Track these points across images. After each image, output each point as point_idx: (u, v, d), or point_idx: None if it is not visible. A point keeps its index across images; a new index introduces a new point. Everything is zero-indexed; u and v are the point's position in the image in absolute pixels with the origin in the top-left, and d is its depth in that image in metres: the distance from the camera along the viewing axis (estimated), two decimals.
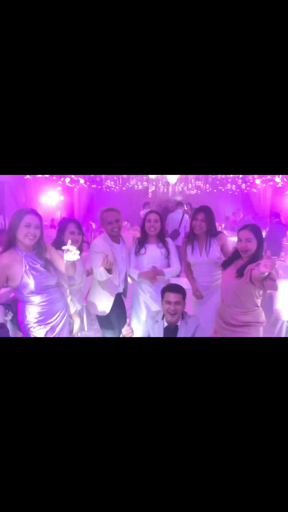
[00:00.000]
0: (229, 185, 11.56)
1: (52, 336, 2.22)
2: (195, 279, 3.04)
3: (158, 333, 2.39)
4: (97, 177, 10.95)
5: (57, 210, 9.91)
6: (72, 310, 2.65)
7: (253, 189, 11.43)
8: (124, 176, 10.18)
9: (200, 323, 2.43)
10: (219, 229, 3.30)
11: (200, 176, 10.35)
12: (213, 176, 10.22)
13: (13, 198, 7.92)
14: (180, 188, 11.07)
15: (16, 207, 7.78)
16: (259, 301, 2.44)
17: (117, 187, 11.99)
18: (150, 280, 2.87)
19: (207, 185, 11.27)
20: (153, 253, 2.91)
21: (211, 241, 2.93)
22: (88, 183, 11.55)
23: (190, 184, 10.88)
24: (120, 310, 3.01)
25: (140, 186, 10.64)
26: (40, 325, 2.19)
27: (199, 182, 10.80)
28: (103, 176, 10.83)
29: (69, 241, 2.06)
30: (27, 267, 2.08)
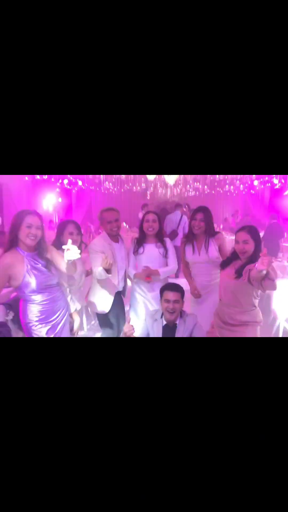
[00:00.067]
0: (227, 186, 11.60)
1: (53, 335, 2.26)
2: (194, 279, 3.09)
3: (157, 331, 2.43)
4: (96, 179, 10.98)
5: (55, 212, 9.94)
6: (72, 309, 2.69)
7: (251, 191, 11.47)
8: (123, 177, 10.20)
9: (198, 321, 2.46)
10: (217, 229, 3.33)
11: (198, 177, 10.36)
12: (212, 177, 10.23)
13: (11, 200, 7.93)
14: (178, 190, 11.08)
15: (14, 209, 7.81)
16: (256, 301, 2.47)
17: (115, 189, 12.02)
18: (143, 280, 2.91)
19: (206, 187, 11.29)
20: (151, 253, 2.95)
21: (209, 240, 2.98)
22: (86, 185, 11.58)
23: (188, 186, 10.89)
24: (119, 308, 3.07)
25: (139, 188, 10.65)
26: (42, 324, 2.22)
27: (198, 183, 10.81)
28: (102, 178, 10.86)
29: (70, 241, 2.10)
30: (29, 266, 2.12)
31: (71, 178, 9.67)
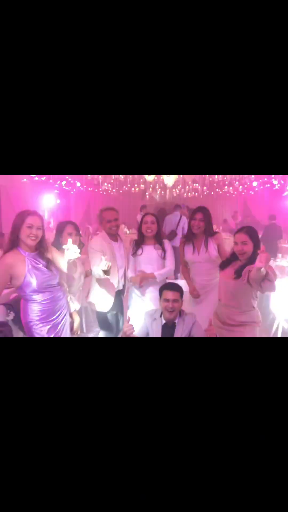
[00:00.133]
0: (226, 187, 11.61)
1: (54, 334, 2.28)
2: (193, 278, 3.11)
3: (156, 330, 2.44)
4: (94, 180, 10.99)
5: (53, 213, 9.94)
6: (72, 309, 2.71)
7: (251, 192, 11.49)
8: (121, 178, 10.19)
9: (197, 320, 2.48)
10: (216, 230, 3.36)
11: (197, 178, 10.36)
12: (210, 178, 10.24)
13: (9, 201, 7.94)
14: (177, 191, 11.09)
15: (12, 211, 7.82)
16: (255, 302, 2.49)
17: (113, 190, 12.03)
18: (138, 284, 2.94)
19: (205, 188, 11.29)
20: (149, 254, 2.97)
21: (208, 240, 3.01)
22: (84, 186, 11.59)
23: (187, 187, 10.89)
24: (118, 308, 3.10)
25: (137, 189, 10.66)
26: (43, 323, 2.24)
27: (196, 184, 10.81)
28: (100, 179, 10.86)
29: (70, 240, 2.12)
30: (30, 266, 2.14)
31: (69, 179, 9.69)
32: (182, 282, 2.98)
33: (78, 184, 10.67)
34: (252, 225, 2.64)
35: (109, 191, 12.09)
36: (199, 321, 2.50)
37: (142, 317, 2.62)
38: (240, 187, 11.14)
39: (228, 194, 12.21)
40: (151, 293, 2.93)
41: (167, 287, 2.46)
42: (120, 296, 3.10)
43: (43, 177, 8.55)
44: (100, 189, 11.84)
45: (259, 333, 2.55)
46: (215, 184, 11.19)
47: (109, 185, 11.75)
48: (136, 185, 10.42)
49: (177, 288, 2.44)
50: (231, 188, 11.56)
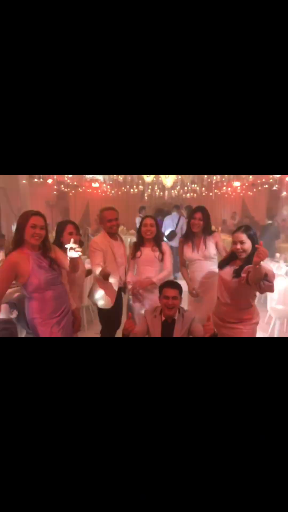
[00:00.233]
0: (224, 188, 11.66)
1: (58, 330, 2.34)
2: (192, 276, 3.19)
3: (156, 326, 2.51)
4: (93, 182, 11.04)
5: (52, 214, 9.98)
6: (73, 306, 2.77)
7: (249, 192, 11.54)
8: (120, 180, 10.23)
9: (196, 317, 2.54)
10: (213, 229, 3.43)
11: (196, 179, 10.40)
12: (209, 179, 10.28)
13: (8, 203, 7.96)
14: (176, 192, 11.12)
15: (11, 212, 7.87)
16: (254, 300, 2.53)
17: (112, 192, 12.07)
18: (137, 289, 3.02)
19: (203, 189, 11.33)
20: (147, 256, 3.05)
21: (207, 238, 3.10)
22: (83, 188, 11.63)
23: (186, 188, 10.92)
24: (120, 305, 3.18)
25: (136, 190, 10.69)
26: (46, 320, 2.31)
27: (195, 185, 10.84)
28: (99, 180, 10.91)
29: (72, 240, 2.19)
30: (34, 265, 2.21)
31: (68, 181, 9.74)
32: (182, 283, 3.05)
33: (77, 185, 10.74)
34: (250, 225, 2.68)
35: (108, 192, 12.14)
36: (198, 318, 2.56)
37: (142, 314, 2.69)
38: (239, 187, 11.19)
39: (226, 195, 12.27)
40: (151, 292, 3.00)
41: (167, 284, 2.53)
42: (121, 294, 3.17)
43: (42, 179, 8.59)
44: (99, 190, 11.90)
45: (257, 330, 2.59)
46: (213, 185, 11.24)
47: (108, 187, 11.80)
48: (134, 186, 10.44)
49: (176, 286, 2.51)
50: (229, 188, 11.61)
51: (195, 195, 11.30)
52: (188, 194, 11.28)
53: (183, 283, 2.72)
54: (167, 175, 8.50)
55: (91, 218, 11.78)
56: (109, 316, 3.15)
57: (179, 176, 9.52)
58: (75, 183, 10.54)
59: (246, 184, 10.87)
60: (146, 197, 11.44)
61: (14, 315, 3.02)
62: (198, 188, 10.99)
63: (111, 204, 3.63)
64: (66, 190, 10.36)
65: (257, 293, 2.52)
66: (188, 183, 10.54)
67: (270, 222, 7.31)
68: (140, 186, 10.42)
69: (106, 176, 10.45)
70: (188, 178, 9.91)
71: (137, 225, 3.28)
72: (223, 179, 10.32)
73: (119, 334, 3.08)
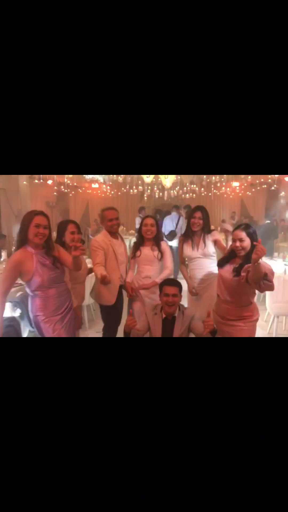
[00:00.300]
0: (223, 188, 11.71)
1: (61, 326, 2.40)
2: (192, 274, 3.25)
3: (157, 324, 2.56)
4: (93, 183, 11.09)
5: (52, 215, 10.02)
6: (74, 304, 2.82)
7: (248, 192, 11.60)
8: (120, 180, 10.27)
9: (195, 314, 2.59)
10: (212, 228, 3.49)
11: (195, 180, 10.45)
12: (208, 180, 10.34)
13: (9, 204, 8.00)
14: (175, 192, 11.17)
15: (11, 214, 7.91)
16: (254, 297, 2.56)
17: (112, 192, 12.12)
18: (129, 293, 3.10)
19: (202, 189, 11.38)
20: (147, 255, 3.11)
21: (206, 237, 3.17)
22: (83, 188, 11.69)
23: (185, 188, 10.97)
24: (121, 302, 3.27)
25: (135, 191, 10.73)
26: (50, 317, 2.36)
27: (194, 185, 10.89)
28: (99, 181, 10.95)
29: (75, 239, 2.26)
30: (38, 263, 2.27)
31: (68, 181, 9.78)
32: (182, 282, 3.11)
33: (77, 185, 10.80)
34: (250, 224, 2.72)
35: (108, 193, 12.19)
36: (198, 315, 2.61)
37: (143, 312, 2.75)
38: (237, 187, 11.24)
39: (225, 195, 12.33)
40: (156, 296, 3.06)
41: (167, 282, 2.59)
42: (121, 291, 3.24)
43: (42, 179, 8.63)
44: (99, 191, 11.94)
45: (256, 327, 2.63)
46: (212, 186, 11.30)
47: (108, 187, 11.85)
48: (134, 187, 10.49)
49: (176, 284, 2.56)
50: (228, 189, 11.67)
51: (194, 195, 11.33)
52: (187, 195, 11.32)
53: (183, 282, 2.77)
54: (166, 176, 8.54)
55: (91, 219, 11.86)
56: (110, 313, 3.22)
57: (178, 177, 9.56)
58: (75, 184, 10.59)
59: (245, 184, 10.93)
60: (145, 198, 11.48)
61: (16, 313, 3.08)
62: (197, 188, 11.03)
63: (111, 204, 3.69)
64: (66, 191, 10.40)
65: (256, 291, 2.54)
66: (187, 184, 10.58)
67: (268, 221, 7.38)
68: (140, 187, 10.44)
69: (106, 177, 10.50)
70: (187, 178, 9.96)
71: (137, 225, 3.35)
72: (222, 180, 10.38)
73: (120, 330, 3.14)
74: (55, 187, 9.64)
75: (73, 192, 11.42)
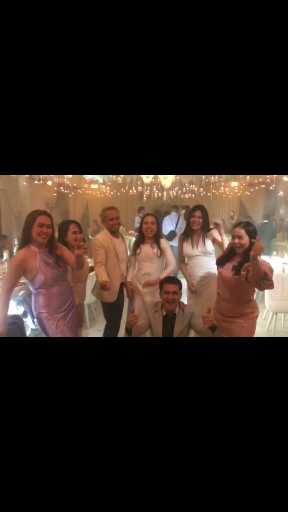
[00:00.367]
0: (222, 188, 11.75)
1: (63, 324, 2.45)
2: (192, 272, 3.31)
3: (158, 321, 2.61)
4: (92, 183, 11.12)
5: (52, 216, 10.01)
6: (77, 302, 2.88)
7: (246, 192, 11.63)
8: (119, 181, 10.31)
9: (195, 310, 2.64)
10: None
11: (193, 180, 10.49)
12: (207, 180, 10.37)
13: (9, 205, 8.01)
14: (174, 193, 11.20)
15: (11, 214, 7.94)
16: (253, 294, 2.59)
17: (111, 193, 12.16)
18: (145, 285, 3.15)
19: (201, 189, 11.41)
20: (146, 253, 3.18)
21: (205, 235, 3.25)
22: (83, 189, 11.72)
23: (184, 188, 11.00)
24: (122, 299, 3.34)
25: (135, 191, 10.76)
26: (53, 314, 2.41)
27: (193, 186, 10.92)
28: (98, 181, 10.98)
29: (77, 238, 2.31)
30: (41, 262, 2.32)
31: (67, 182, 9.82)
32: (182, 281, 3.17)
33: (76, 186, 10.82)
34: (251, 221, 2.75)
35: (107, 194, 12.22)
36: (198, 312, 2.66)
37: (144, 309, 2.80)
38: (236, 187, 11.28)
39: (224, 195, 12.37)
40: (153, 290, 3.11)
41: (167, 280, 2.64)
42: (122, 288, 3.31)
43: (42, 180, 8.67)
44: (98, 192, 11.98)
45: (256, 324, 2.65)
46: (211, 185, 11.33)
47: (108, 188, 11.88)
48: (133, 187, 10.52)
49: (176, 281, 2.61)
50: (227, 189, 11.70)
51: (193, 195, 11.36)
52: (187, 195, 11.36)
53: (183, 281, 2.83)
54: (165, 176, 8.58)
55: (90, 220, 11.89)
56: (112, 310, 3.29)
57: (177, 177, 9.60)
58: (74, 184, 10.62)
59: (244, 184, 10.96)
60: (144, 198, 11.52)
61: (19, 311, 3.13)
62: (196, 188, 11.06)
63: (110, 205, 3.75)
64: (65, 191, 10.43)
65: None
66: (186, 184, 10.60)
67: (266, 221, 7.43)
68: (139, 187, 10.47)
69: (106, 178, 10.54)
70: (186, 178, 9.99)
71: (136, 225, 3.41)
72: (221, 179, 10.40)
73: (122, 326, 3.21)
74: (55, 188, 9.67)
75: (72, 193, 11.45)
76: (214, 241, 3.25)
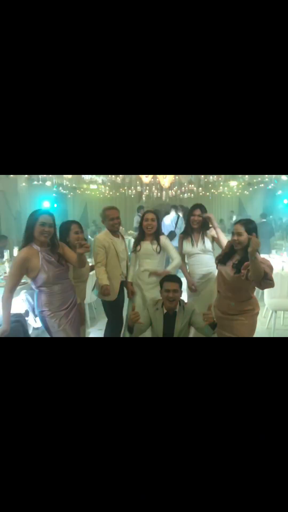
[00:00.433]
0: (221, 188, 11.79)
1: (66, 321, 2.48)
2: (192, 270, 3.36)
3: (158, 318, 2.63)
4: (91, 184, 11.15)
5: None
6: (79, 300, 2.90)
7: (245, 191, 11.67)
8: (118, 181, 10.33)
9: (195, 308, 2.67)
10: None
11: (193, 179, 10.51)
12: (206, 179, 10.40)
13: (8, 206, 8.02)
14: (173, 192, 11.22)
15: (10, 215, 7.96)
16: (253, 292, 2.62)
17: (110, 193, 12.19)
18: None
19: (200, 189, 11.45)
20: (146, 249, 3.22)
21: (205, 234, 3.30)
22: (81, 190, 11.75)
23: (183, 188, 11.03)
24: (122, 297, 3.39)
25: (134, 192, 10.78)
26: (55, 312, 2.44)
27: (192, 185, 10.95)
28: (98, 181, 11.00)
29: (80, 237, 2.35)
30: (43, 260, 2.34)
31: (66, 183, 9.83)
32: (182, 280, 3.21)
33: (75, 187, 10.84)
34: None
35: (106, 194, 12.25)
36: (198, 309, 2.68)
37: (145, 307, 2.83)
38: (234, 187, 11.31)
39: (223, 195, 12.41)
40: (153, 286, 3.14)
41: (167, 279, 2.67)
42: (123, 287, 3.35)
43: (41, 181, 8.67)
44: (97, 192, 12.00)
45: (257, 320, 2.68)
46: (210, 185, 11.36)
47: (107, 188, 11.91)
48: (132, 187, 10.54)
49: (177, 280, 2.64)
50: (226, 188, 11.74)
51: (192, 195, 11.39)
52: (186, 194, 11.39)
53: (183, 280, 2.86)
54: (165, 176, 8.60)
55: (89, 220, 11.92)
56: (113, 307, 3.33)
57: (176, 177, 9.62)
58: (73, 185, 10.64)
59: (242, 184, 11.00)
60: (144, 198, 11.54)
61: (23, 309, 3.16)
62: (195, 188, 11.09)
63: (109, 205, 3.78)
64: (64, 192, 10.45)
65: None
66: (185, 183, 10.63)
67: (264, 220, 7.47)
68: (138, 187, 10.49)
69: (104, 178, 10.56)
70: (185, 178, 10.01)
71: (135, 224, 3.46)
72: (220, 179, 10.43)
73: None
74: (54, 189, 9.68)
75: (71, 193, 11.48)
76: (214, 238, 3.30)
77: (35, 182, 8.66)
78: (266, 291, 4.28)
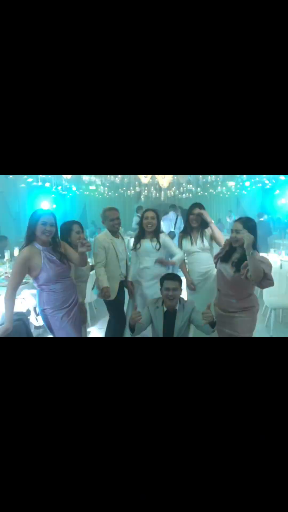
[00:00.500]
0: (219, 187, 11.81)
1: (67, 320, 2.52)
2: (191, 268, 3.42)
3: (159, 317, 2.67)
4: (90, 185, 11.16)
5: None
6: (80, 299, 2.94)
7: (243, 191, 11.71)
8: (117, 181, 10.34)
9: (195, 306, 2.70)
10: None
11: (191, 179, 10.54)
12: (204, 179, 10.43)
13: (7, 206, 8.04)
14: (172, 192, 11.25)
15: (9, 216, 8.00)
16: (253, 289, 2.64)
17: (109, 194, 12.21)
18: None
19: (198, 189, 11.48)
20: (146, 247, 3.27)
21: (203, 232, 3.35)
22: (80, 190, 11.76)
23: (181, 188, 11.06)
24: (122, 297, 3.43)
25: (133, 192, 10.79)
26: (57, 310, 2.48)
27: (191, 185, 10.98)
28: (96, 182, 11.02)
29: (81, 237, 2.38)
30: (45, 259, 2.38)
31: (66, 184, 9.85)
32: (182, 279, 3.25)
33: (74, 188, 10.86)
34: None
35: (105, 194, 12.27)
36: (198, 307, 2.72)
37: (146, 306, 2.86)
38: (233, 187, 11.34)
39: (221, 194, 12.44)
40: (153, 284, 3.18)
41: (167, 277, 2.70)
42: (123, 286, 3.40)
43: (40, 182, 8.69)
44: (96, 193, 12.03)
45: (257, 317, 2.71)
46: (208, 185, 11.39)
47: (106, 189, 11.93)
48: (131, 188, 10.56)
49: (176, 278, 2.68)
50: (224, 188, 11.77)
51: (190, 195, 11.42)
52: (184, 194, 11.41)
53: (183, 279, 2.89)
54: (163, 176, 8.63)
55: (89, 221, 11.95)
56: (113, 305, 3.38)
57: (175, 177, 9.65)
58: (73, 185, 10.66)
59: (240, 183, 11.03)
60: (142, 198, 11.56)
61: (25, 308, 3.19)
62: (193, 188, 11.12)
63: (108, 205, 3.82)
64: (63, 193, 10.46)
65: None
66: (184, 184, 10.65)
67: (262, 219, 7.51)
68: (137, 188, 10.51)
69: (103, 179, 10.58)
70: (183, 178, 10.03)
71: (134, 224, 3.51)
72: (218, 179, 10.46)
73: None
74: (53, 189, 9.69)
75: (70, 194, 11.49)
76: (212, 237, 3.35)
77: (34, 183, 8.68)
78: (265, 289, 4.31)
